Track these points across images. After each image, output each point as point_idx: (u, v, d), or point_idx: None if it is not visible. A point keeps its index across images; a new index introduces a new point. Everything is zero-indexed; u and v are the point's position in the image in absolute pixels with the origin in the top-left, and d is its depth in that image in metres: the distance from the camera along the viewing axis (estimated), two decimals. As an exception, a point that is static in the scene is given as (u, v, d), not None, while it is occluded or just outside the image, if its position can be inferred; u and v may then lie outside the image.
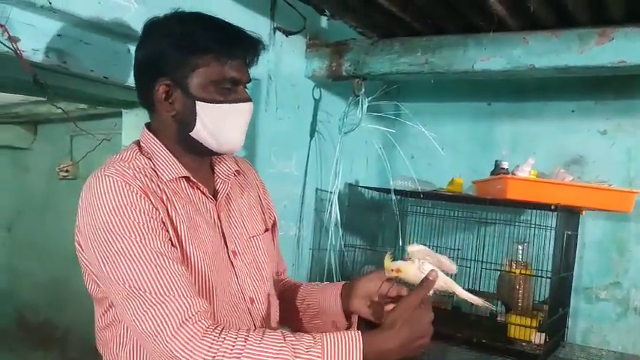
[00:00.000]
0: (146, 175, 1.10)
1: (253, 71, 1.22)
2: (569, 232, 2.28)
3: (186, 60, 1.11)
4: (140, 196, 1.05)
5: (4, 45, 1.31)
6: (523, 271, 2.21)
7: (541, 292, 2.21)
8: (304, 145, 2.46)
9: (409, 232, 2.64)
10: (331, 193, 2.42)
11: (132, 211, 1.03)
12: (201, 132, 1.14)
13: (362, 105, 2.32)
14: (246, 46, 1.16)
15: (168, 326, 0.96)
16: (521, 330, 2.08)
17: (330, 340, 1.00)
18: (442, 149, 2.43)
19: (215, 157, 1.27)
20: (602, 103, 2.59)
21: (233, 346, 0.96)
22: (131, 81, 1.61)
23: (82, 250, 1.11)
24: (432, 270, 1.15)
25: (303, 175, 2.46)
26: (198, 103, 1.12)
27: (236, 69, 1.14)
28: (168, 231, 1.07)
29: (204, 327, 0.97)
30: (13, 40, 1.32)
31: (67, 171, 4.41)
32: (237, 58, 1.14)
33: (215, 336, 0.97)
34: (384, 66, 2.25)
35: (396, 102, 2.56)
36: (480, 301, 1.27)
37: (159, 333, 0.96)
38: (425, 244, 1.22)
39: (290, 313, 1.38)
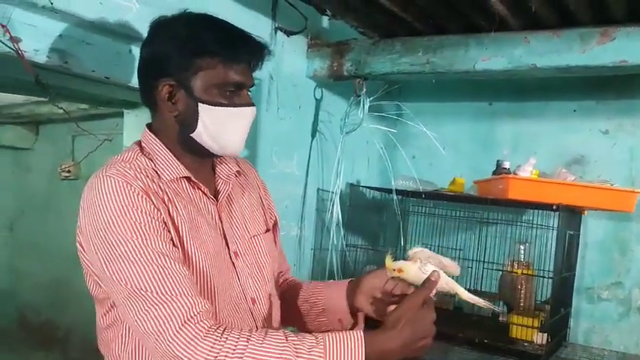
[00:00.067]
0: (147, 176, 1.10)
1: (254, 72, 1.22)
2: (571, 232, 2.28)
3: (191, 62, 1.11)
4: (141, 197, 1.05)
5: (6, 45, 1.31)
6: (525, 271, 2.21)
7: (543, 292, 2.20)
8: (306, 145, 2.46)
9: (411, 232, 2.64)
10: (333, 193, 2.42)
11: (133, 212, 1.03)
12: (203, 134, 1.14)
13: (363, 105, 2.32)
14: (251, 51, 1.16)
15: (170, 326, 0.96)
16: (523, 330, 2.08)
17: (332, 340, 1.00)
18: (443, 149, 2.43)
19: (216, 158, 1.27)
20: (603, 102, 2.59)
21: (235, 346, 0.96)
22: (133, 81, 1.62)
23: (84, 250, 1.11)
24: (434, 270, 1.15)
25: (305, 175, 2.46)
26: (200, 105, 1.12)
27: (240, 73, 1.14)
28: (169, 231, 1.07)
29: (206, 327, 0.97)
30: (14, 40, 1.32)
31: (68, 171, 4.41)
32: (242, 63, 1.14)
33: (217, 336, 0.97)
34: (385, 66, 2.25)
35: (397, 102, 2.56)
36: (482, 302, 1.27)
37: (161, 333, 0.96)
38: (426, 244, 1.22)
39: (295, 312, 1.38)
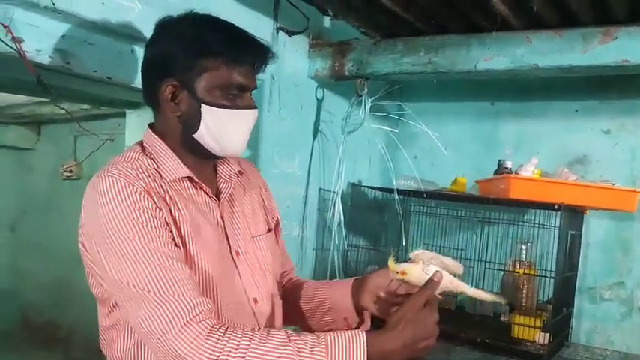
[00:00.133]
0: (149, 176, 1.10)
1: (256, 72, 1.22)
2: (573, 232, 2.28)
3: (195, 63, 1.11)
4: (143, 197, 1.05)
5: (8, 46, 1.32)
6: (527, 271, 2.21)
7: (545, 292, 2.20)
8: (307, 145, 2.46)
9: (412, 232, 2.64)
10: (334, 193, 2.42)
11: (135, 212, 1.03)
12: (205, 135, 1.14)
13: (365, 105, 2.32)
14: (255, 53, 1.17)
15: (173, 325, 0.96)
16: (525, 330, 2.08)
17: (334, 340, 1.00)
18: (445, 149, 2.43)
19: (217, 159, 1.27)
20: (605, 102, 2.59)
21: (237, 345, 0.96)
22: (135, 82, 1.62)
23: (86, 250, 1.11)
24: (437, 271, 1.14)
25: (306, 175, 2.46)
26: (203, 106, 1.12)
27: (244, 75, 1.14)
28: (171, 231, 1.07)
29: (208, 326, 0.97)
30: (16, 40, 1.32)
31: (70, 171, 4.42)
32: (245, 65, 1.14)
33: (219, 335, 0.97)
34: (387, 66, 2.25)
35: (399, 102, 2.56)
36: (490, 296, 1.27)
37: (163, 332, 0.97)
38: (428, 244, 1.22)
39: (300, 311, 1.38)
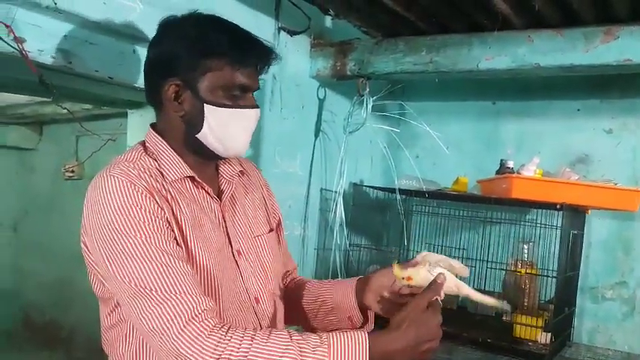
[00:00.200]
0: (151, 175, 1.10)
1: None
2: (575, 232, 2.28)
3: (198, 63, 1.11)
4: (145, 196, 1.05)
5: (10, 46, 1.32)
6: (529, 271, 2.20)
7: (547, 292, 2.20)
8: (309, 145, 2.46)
9: (414, 232, 2.64)
10: (336, 192, 2.42)
11: (137, 211, 1.03)
12: (208, 135, 1.14)
13: (366, 104, 2.32)
14: (259, 54, 1.17)
15: (175, 324, 0.96)
16: (527, 330, 2.08)
17: (337, 340, 1.00)
18: (447, 148, 2.43)
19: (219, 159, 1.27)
20: (607, 101, 2.58)
21: (239, 345, 0.96)
22: (137, 81, 1.62)
23: (88, 250, 1.11)
24: (440, 273, 1.14)
25: (308, 174, 2.46)
26: (206, 106, 1.12)
27: (247, 76, 1.14)
28: (173, 230, 1.07)
29: (210, 325, 0.97)
30: (18, 40, 1.32)
31: (72, 171, 4.42)
32: (249, 66, 1.14)
33: (222, 335, 0.97)
34: (388, 65, 2.25)
35: (400, 101, 2.56)
36: (493, 301, 1.26)
37: (165, 331, 0.97)
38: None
39: (303, 311, 1.38)
